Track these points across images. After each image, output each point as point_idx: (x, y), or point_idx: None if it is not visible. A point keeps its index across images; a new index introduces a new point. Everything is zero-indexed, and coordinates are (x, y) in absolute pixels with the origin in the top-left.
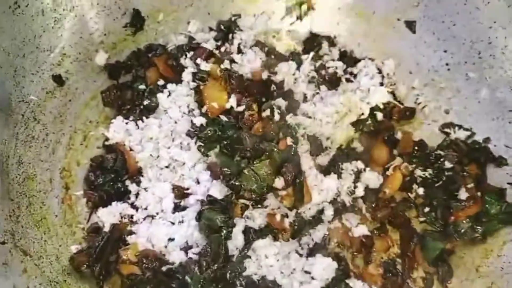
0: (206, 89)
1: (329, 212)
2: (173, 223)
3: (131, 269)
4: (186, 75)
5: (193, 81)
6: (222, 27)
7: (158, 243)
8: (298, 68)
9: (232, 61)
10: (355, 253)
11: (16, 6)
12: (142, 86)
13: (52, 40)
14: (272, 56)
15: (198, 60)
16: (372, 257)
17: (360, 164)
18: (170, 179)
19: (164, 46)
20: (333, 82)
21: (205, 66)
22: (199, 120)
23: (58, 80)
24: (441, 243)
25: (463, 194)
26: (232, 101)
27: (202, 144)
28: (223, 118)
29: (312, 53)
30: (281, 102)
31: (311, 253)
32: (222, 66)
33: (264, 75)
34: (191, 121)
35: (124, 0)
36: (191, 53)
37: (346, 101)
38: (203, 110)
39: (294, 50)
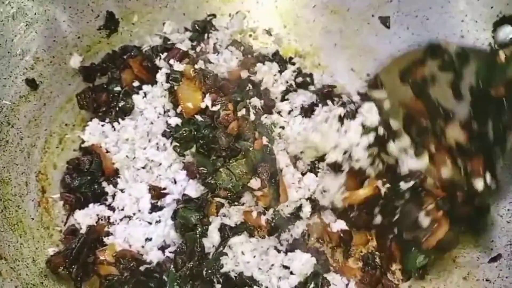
0: (180, 90)
1: (307, 209)
2: (150, 223)
3: (109, 270)
4: (160, 76)
5: (167, 82)
6: (197, 27)
7: (136, 243)
8: (280, 72)
9: (208, 61)
10: (334, 248)
11: None
12: (118, 88)
13: (24, 44)
14: (249, 56)
15: (172, 61)
16: (351, 251)
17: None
18: (147, 179)
19: (139, 48)
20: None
21: (178, 66)
22: (175, 121)
23: (32, 84)
24: (425, 258)
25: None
26: (207, 101)
27: (178, 144)
28: (199, 118)
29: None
30: (256, 101)
31: (290, 249)
32: (196, 66)
33: (244, 74)
34: (167, 121)
35: (97, 3)
36: (165, 54)
37: None
38: (178, 110)
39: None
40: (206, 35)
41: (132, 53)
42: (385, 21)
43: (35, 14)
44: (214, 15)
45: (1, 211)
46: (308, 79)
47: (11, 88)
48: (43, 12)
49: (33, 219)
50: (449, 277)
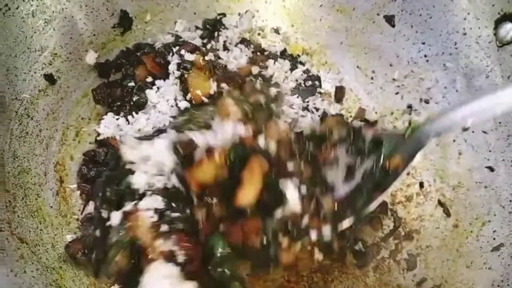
0: (190, 78)
1: None
2: None
3: None
4: (172, 66)
5: (178, 70)
6: (208, 26)
7: None
8: (291, 70)
9: (218, 57)
10: None
11: (7, 8)
12: (131, 84)
13: (43, 40)
14: (259, 53)
15: (183, 51)
16: None
17: None
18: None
19: (151, 45)
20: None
21: (189, 56)
22: (184, 104)
23: (50, 79)
24: None
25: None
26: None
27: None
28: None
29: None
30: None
31: None
32: (207, 58)
33: (255, 70)
34: (176, 105)
35: (112, 2)
36: (177, 47)
37: None
38: (188, 97)
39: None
40: (216, 33)
41: (145, 50)
42: (390, 20)
43: (53, 12)
44: (224, 14)
45: (22, 199)
46: (316, 82)
47: (30, 83)
48: (60, 10)
49: (51, 207)
50: (452, 266)
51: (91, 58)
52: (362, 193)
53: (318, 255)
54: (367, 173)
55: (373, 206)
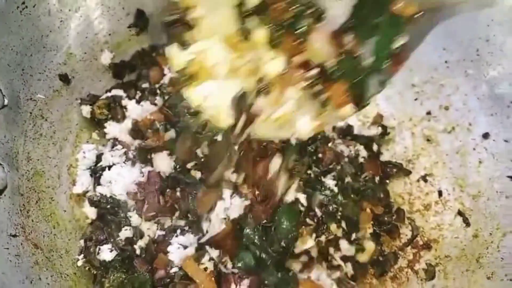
0: None
1: None
2: None
3: None
4: None
5: None
6: None
7: None
8: None
9: None
10: None
11: (24, 6)
12: (146, 85)
13: (59, 39)
14: None
15: None
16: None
17: None
18: None
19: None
20: None
21: None
22: None
23: (65, 79)
24: None
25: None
26: None
27: None
28: None
29: None
30: None
31: None
32: None
33: None
34: None
35: (128, 1)
36: None
37: None
38: None
39: None
40: None
41: (161, 51)
42: None
43: (69, 10)
44: None
45: (36, 202)
46: None
47: (45, 83)
48: (77, 9)
49: (65, 211)
50: (472, 277)
51: (106, 58)
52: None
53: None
54: None
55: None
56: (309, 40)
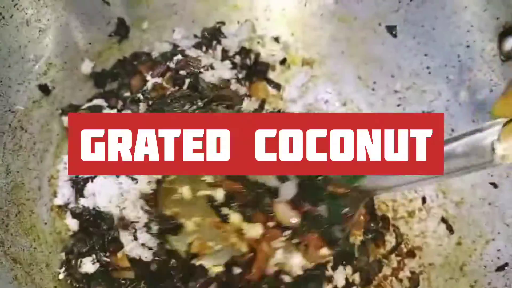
0: None
1: None
2: None
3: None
4: None
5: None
6: (207, 34)
7: None
8: None
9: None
10: None
11: (1, 17)
12: (127, 94)
13: (38, 50)
14: None
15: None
16: None
17: None
18: None
19: (149, 54)
20: None
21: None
22: None
23: (44, 89)
24: None
25: None
26: None
27: None
28: None
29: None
30: None
31: None
32: None
33: None
34: None
35: (108, 9)
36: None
37: None
38: None
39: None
40: (214, 42)
41: (142, 59)
42: (391, 30)
43: (48, 20)
44: (223, 23)
45: (15, 216)
46: None
47: (24, 94)
48: (56, 18)
49: (46, 223)
50: (455, 285)
51: (86, 67)
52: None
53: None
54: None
55: None
56: (274, 210)
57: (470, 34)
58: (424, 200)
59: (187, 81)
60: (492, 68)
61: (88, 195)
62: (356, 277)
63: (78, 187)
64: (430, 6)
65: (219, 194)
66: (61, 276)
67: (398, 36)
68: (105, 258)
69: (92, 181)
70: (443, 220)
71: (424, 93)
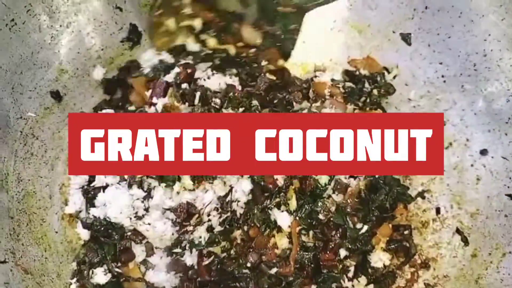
0: None
1: None
2: None
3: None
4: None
5: None
6: None
7: None
8: None
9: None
10: None
11: (13, 23)
12: (132, 108)
13: (50, 56)
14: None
15: None
16: None
17: None
18: None
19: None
20: None
21: None
22: None
23: (56, 96)
24: None
25: None
26: None
27: None
28: None
29: None
30: None
31: None
32: None
33: None
34: None
35: (121, 15)
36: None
37: None
38: None
39: None
40: None
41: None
42: (406, 38)
43: (60, 26)
44: None
45: (26, 225)
46: None
47: (36, 100)
48: (68, 24)
49: (57, 232)
50: None
51: (98, 73)
52: None
53: None
54: None
55: None
56: (242, 32)
57: (487, 42)
58: (438, 210)
59: (197, 94)
60: (510, 78)
61: (99, 205)
62: None
63: (89, 197)
64: (446, 14)
65: (198, 23)
66: (72, 287)
67: (413, 44)
68: (116, 269)
69: (103, 191)
70: (458, 231)
71: (439, 102)
